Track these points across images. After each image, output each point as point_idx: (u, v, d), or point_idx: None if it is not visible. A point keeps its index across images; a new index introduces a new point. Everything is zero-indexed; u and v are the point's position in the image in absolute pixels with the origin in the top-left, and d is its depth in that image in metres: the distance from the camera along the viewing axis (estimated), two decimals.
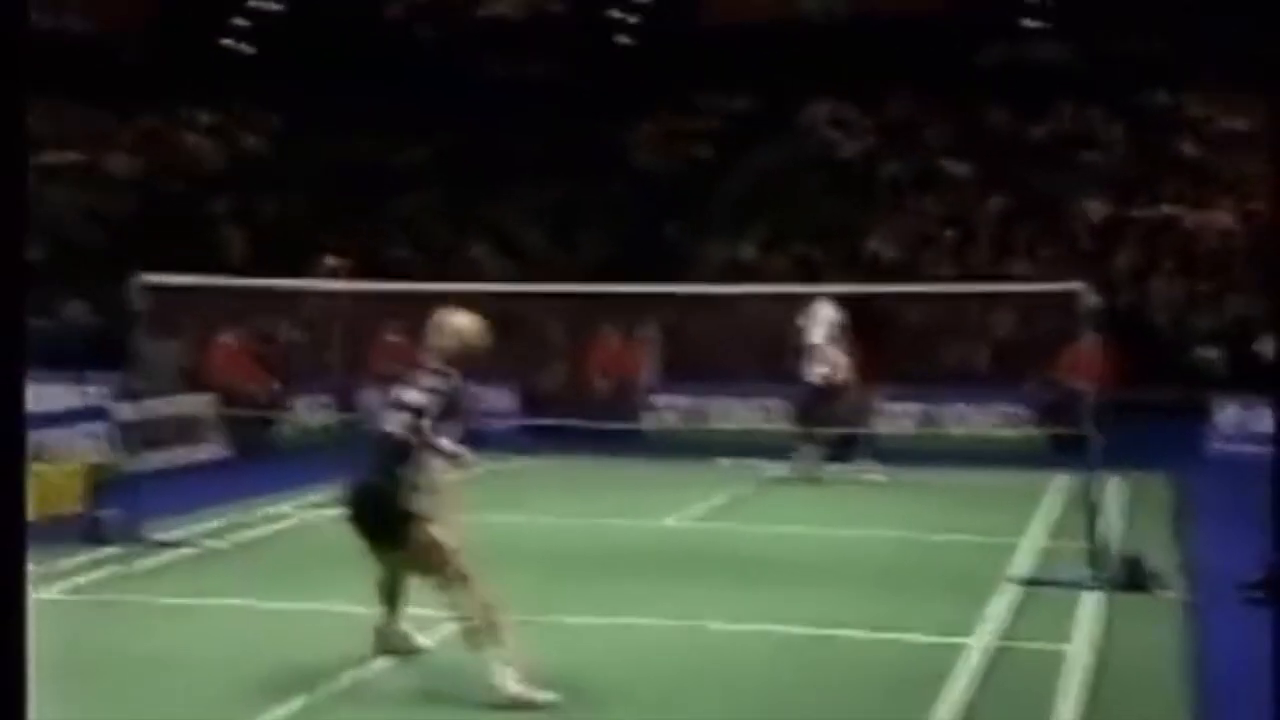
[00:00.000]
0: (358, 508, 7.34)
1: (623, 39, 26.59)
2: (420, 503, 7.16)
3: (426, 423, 7.22)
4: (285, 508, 12.88)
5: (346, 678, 7.45)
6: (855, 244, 21.63)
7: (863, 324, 15.40)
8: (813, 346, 14.78)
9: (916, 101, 24.12)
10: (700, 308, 17.95)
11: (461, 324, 7.67)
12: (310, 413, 18.74)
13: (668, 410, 18.68)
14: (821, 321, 14.72)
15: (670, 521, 12.58)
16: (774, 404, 17.82)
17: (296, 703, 7.02)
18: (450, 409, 7.36)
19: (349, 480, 7.44)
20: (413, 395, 7.35)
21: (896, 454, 15.74)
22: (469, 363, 7.55)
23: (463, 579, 7.16)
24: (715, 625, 8.62)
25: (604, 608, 9.13)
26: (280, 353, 19.24)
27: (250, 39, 27.54)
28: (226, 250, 22.23)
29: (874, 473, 14.86)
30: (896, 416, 17.73)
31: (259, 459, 16.20)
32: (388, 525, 7.25)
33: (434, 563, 7.19)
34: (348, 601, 8.78)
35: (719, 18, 25.89)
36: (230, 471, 15.48)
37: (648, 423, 18.59)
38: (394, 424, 7.26)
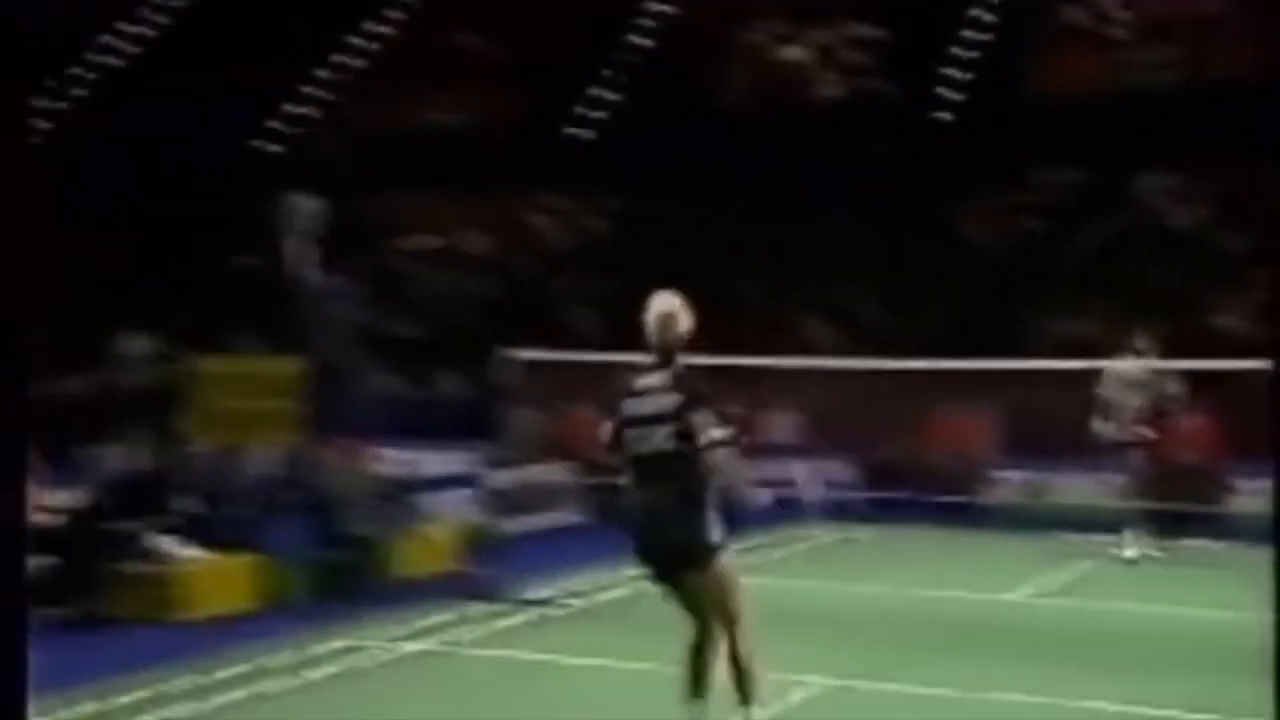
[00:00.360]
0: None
1: (945, 115, 26.53)
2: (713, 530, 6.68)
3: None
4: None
5: None
6: (1202, 318, 20.92)
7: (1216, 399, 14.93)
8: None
9: (1254, 171, 23.26)
10: (1046, 382, 17.70)
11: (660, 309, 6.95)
12: None
13: (1007, 485, 18.43)
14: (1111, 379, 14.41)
15: (1015, 596, 12.43)
16: (1116, 479, 17.39)
17: None
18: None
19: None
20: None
21: (1255, 530, 15.10)
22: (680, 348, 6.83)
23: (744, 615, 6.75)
24: (1073, 704, 8.51)
25: (953, 680, 9.09)
26: None
27: (596, 128, 28.59)
28: (575, 326, 23.11)
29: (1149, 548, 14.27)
30: (1252, 492, 17.02)
31: (614, 524, 16.72)
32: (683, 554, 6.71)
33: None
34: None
35: (1048, 91, 25.63)
36: (589, 535, 16.06)
37: (988, 496, 18.38)
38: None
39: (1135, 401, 14.32)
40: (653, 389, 6.69)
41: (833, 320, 22.59)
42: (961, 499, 17.47)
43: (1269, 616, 10.78)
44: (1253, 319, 20.74)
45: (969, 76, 26.75)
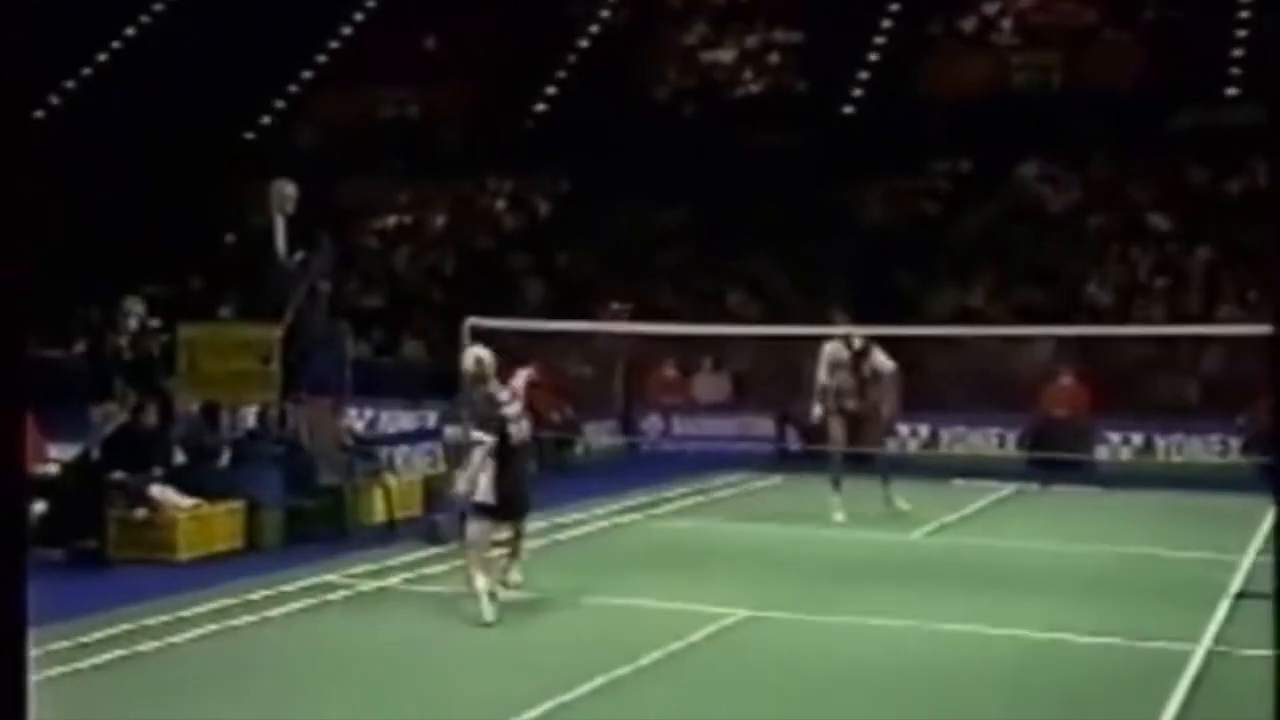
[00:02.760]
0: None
1: (849, 110, 26.58)
2: None
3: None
4: (581, 515, 13.31)
5: (648, 659, 7.71)
6: (1072, 289, 21.14)
7: (1085, 361, 15.07)
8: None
9: (1119, 161, 23.51)
10: (938, 346, 17.86)
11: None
12: (597, 436, 19.25)
13: (908, 438, 18.59)
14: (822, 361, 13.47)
15: (914, 535, 12.56)
16: (1004, 433, 17.65)
17: (599, 680, 7.29)
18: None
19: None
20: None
21: (1117, 478, 15.35)
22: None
23: None
24: (958, 627, 8.61)
25: (855, 609, 9.19)
26: (573, 385, 19.83)
27: (542, 120, 28.48)
28: (527, 298, 23.03)
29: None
30: (1116, 444, 17.30)
31: (558, 474, 16.73)
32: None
33: None
34: (633, 596, 9.10)
35: (935, 90, 25.74)
36: (537, 485, 15.99)
37: (890, 448, 18.52)
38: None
39: (838, 382, 13.34)
40: (511, 401, 9.20)
41: (749, 291, 22.62)
42: (866, 450, 17.57)
43: (1134, 550, 10.94)
44: (1115, 290, 21.00)
45: (872, 76, 26.82)
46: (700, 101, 27.75)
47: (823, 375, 13.40)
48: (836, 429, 13.45)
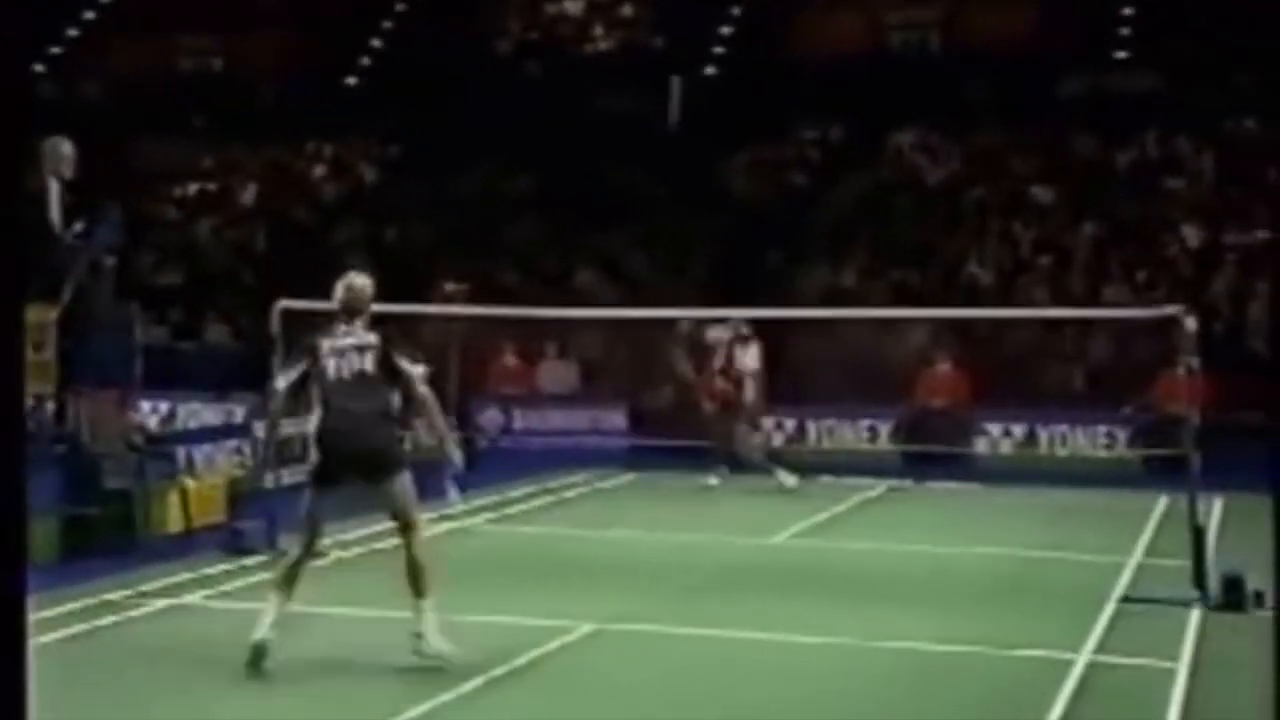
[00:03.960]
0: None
1: (712, 70, 26.77)
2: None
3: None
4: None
5: (484, 678, 7.62)
6: (951, 269, 21.58)
7: (964, 346, 15.39)
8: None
9: (1003, 130, 24.07)
10: (807, 331, 18.05)
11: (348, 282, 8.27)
12: (427, 431, 19.02)
13: (772, 430, 18.76)
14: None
15: (778, 539, 12.67)
16: (876, 424, 17.93)
17: (426, 705, 7.19)
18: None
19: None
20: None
21: (999, 473, 15.72)
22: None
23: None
24: (825, 640, 8.68)
25: (712, 621, 9.22)
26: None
27: (368, 76, 28.06)
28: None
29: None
30: (996, 437, 17.70)
31: None
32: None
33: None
34: (472, 611, 8.99)
35: (807, 49, 26.05)
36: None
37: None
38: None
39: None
40: (351, 333, 8.01)
41: (603, 270, 22.61)
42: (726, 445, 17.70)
43: (1015, 552, 11.15)
44: (996, 269, 21.50)
45: (735, 34, 27.01)
46: (546, 58, 27.64)
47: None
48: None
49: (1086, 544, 12.11)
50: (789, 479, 15.02)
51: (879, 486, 15.31)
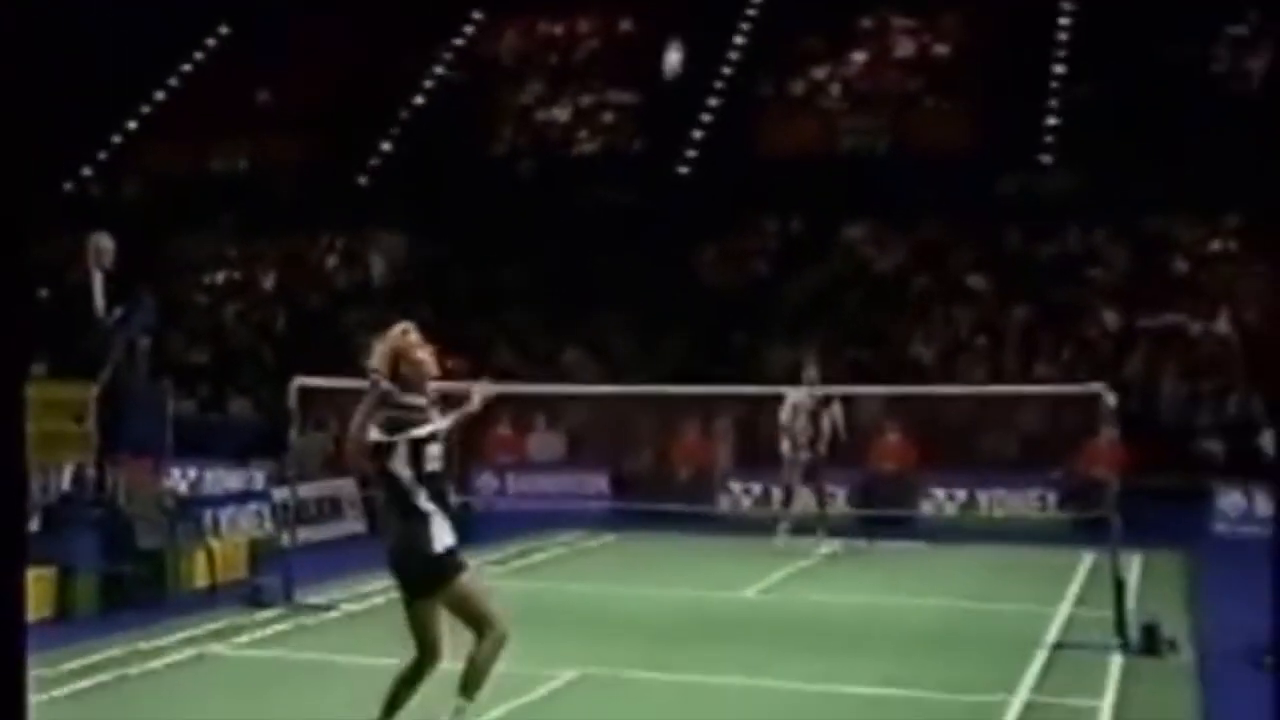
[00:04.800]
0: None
1: (685, 169, 27.07)
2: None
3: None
4: None
5: None
6: (898, 348, 21.75)
7: (911, 418, 15.51)
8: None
9: (943, 225, 24.36)
10: (769, 404, 18.13)
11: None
12: None
13: (740, 494, 18.82)
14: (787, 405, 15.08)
15: (748, 593, 12.68)
16: (834, 489, 17.93)
17: None
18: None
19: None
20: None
21: (942, 531, 15.78)
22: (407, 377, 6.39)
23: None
24: (789, 685, 8.71)
25: (689, 668, 9.22)
26: None
27: (377, 176, 28.29)
28: (360, 356, 22.70)
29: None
30: (941, 499, 17.78)
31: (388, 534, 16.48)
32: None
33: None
34: (455, 661, 8.97)
35: (770, 150, 26.37)
36: (367, 544, 15.74)
37: (723, 504, 18.74)
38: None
39: (803, 425, 15.00)
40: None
41: (588, 350, 22.71)
42: (700, 508, 17.75)
43: (958, 603, 11.21)
44: (938, 350, 21.69)
45: (706, 135, 27.34)
46: (537, 159, 27.91)
47: (784, 416, 14.84)
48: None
49: (1021, 595, 12.18)
50: (781, 540, 14.93)
51: (836, 545, 15.33)
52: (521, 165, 27.76)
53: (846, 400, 16.72)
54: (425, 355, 6.43)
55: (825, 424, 15.19)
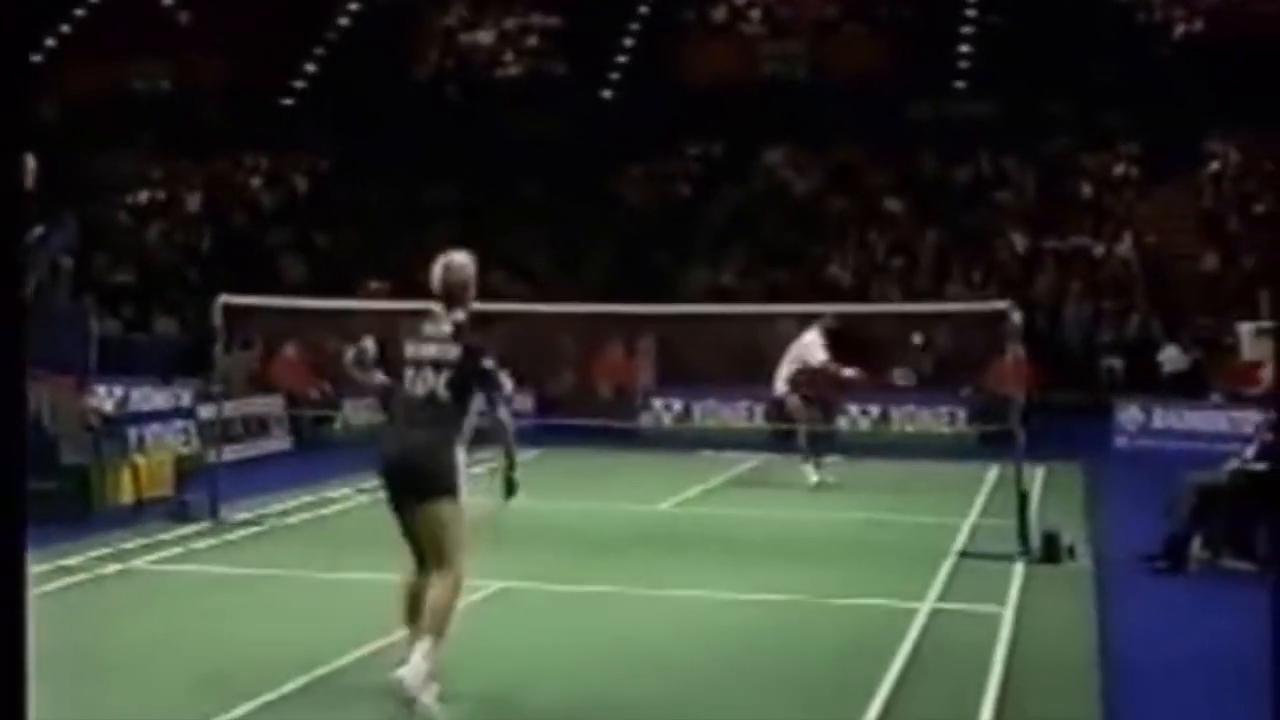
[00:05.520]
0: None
1: (609, 94, 26.78)
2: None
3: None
4: (343, 491, 13.00)
5: (402, 633, 7.54)
6: (816, 270, 21.81)
7: (828, 337, 15.47)
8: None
9: (859, 149, 24.38)
10: (689, 324, 18.15)
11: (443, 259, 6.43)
12: (356, 412, 18.86)
13: (662, 411, 18.87)
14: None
15: (664, 506, 12.72)
16: (752, 406, 18.05)
17: (354, 654, 7.13)
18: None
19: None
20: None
21: (857, 447, 15.92)
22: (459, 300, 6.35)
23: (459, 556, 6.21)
24: (699, 593, 8.76)
25: (609, 579, 9.25)
26: (332, 362, 19.36)
27: (301, 97, 27.68)
28: (286, 276, 22.35)
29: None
30: (856, 416, 17.93)
31: (317, 451, 16.33)
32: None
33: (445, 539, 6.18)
34: (390, 571, 8.93)
35: (692, 76, 26.16)
36: (294, 461, 15.60)
37: (644, 421, 18.76)
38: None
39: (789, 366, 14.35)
40: (436, 337, 6.26)
41: (511, 270, 22.50)
42: (622, 424, 17.77)
43: (871, 515, 11.25)
44: (854, 271, 21.77)
45: (629, 61, 27.03)
46: (462, 82, 27.45)
47: (821, 355, 13.72)
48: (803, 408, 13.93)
49: (930, 508, 12.33)
50: (813, 476, 13.83)
51: (753, 460, 15.42)
52: (446, 88, 27.30)
53: (768, 319, 16.75)
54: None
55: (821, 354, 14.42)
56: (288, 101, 27.58)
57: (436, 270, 6.37)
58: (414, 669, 6.00)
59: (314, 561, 9.67)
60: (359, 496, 12.81)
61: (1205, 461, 10.77)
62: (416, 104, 26.09)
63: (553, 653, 7.42)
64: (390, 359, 6.44)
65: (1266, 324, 17.06)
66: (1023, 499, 10.12)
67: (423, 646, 6.05)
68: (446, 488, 6.16)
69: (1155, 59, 24.22)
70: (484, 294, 22.59)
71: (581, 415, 16.98)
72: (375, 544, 10.42)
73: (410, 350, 6.26)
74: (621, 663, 7.23)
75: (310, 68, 27.98)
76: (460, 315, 6.33)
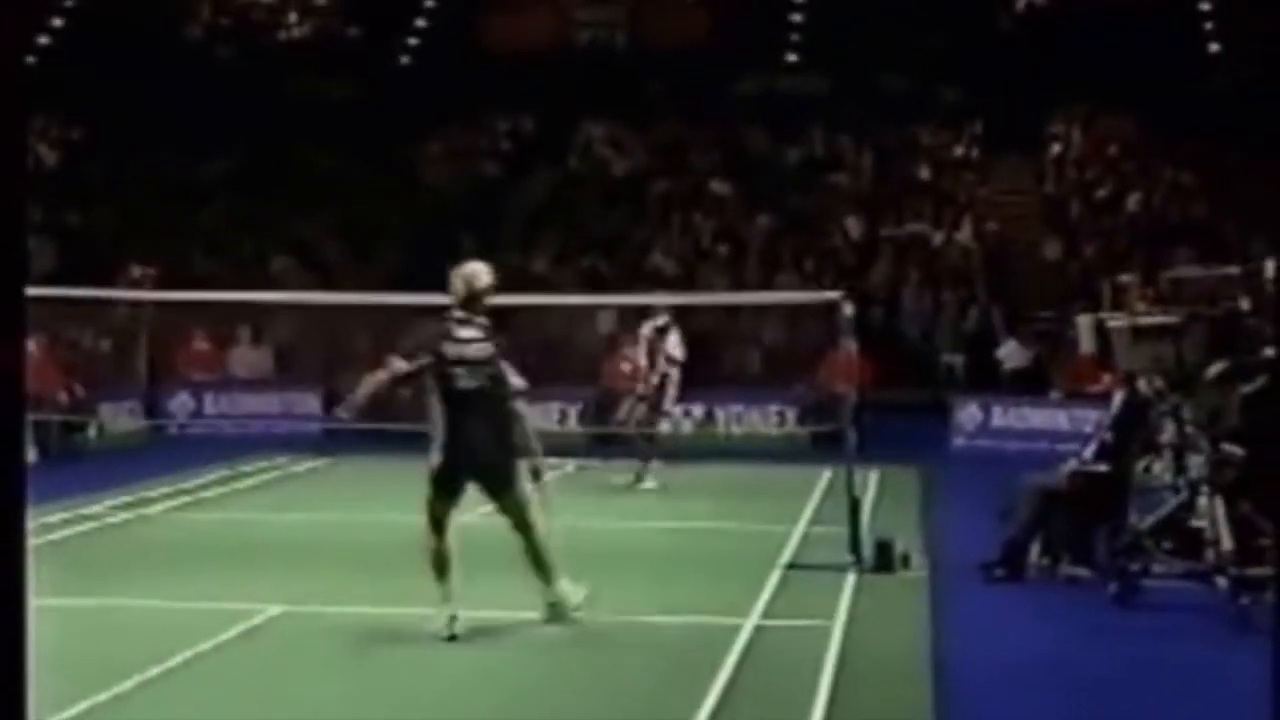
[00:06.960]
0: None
1: (405, 60, 26.53)
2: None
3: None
4: (95, 509, 12.57)
5: (153, 670, 7.34)
6: (637, 257, 21.96)
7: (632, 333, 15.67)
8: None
9: (683, 125, 24.65)
10: (495, 316, 18.03)
11: (464, 271, 8.18)
12: (114, 418, 18.28)
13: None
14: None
15: (468, 517, 12.61)
16: (565, 407, 18.08)
17: (120, 686, 6.92)
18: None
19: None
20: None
21: (678, 451, 16.08)
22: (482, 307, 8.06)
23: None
24: (498, 615, 8.66)
25: (391, 599, 9.05)
26: (85, 360, 18.73)
27: (49, 55, 26.64)
28: (32, 261, 21.48)
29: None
30: (678, 418, 18.08)
31: (65, 462, 15.75)
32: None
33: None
34: (155, 597, 8.69)
35: (498, 42, 26.08)
36: (36, 474, 14.97)
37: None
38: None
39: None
40: (474, 340, 7.95)
41: (297, 255, 22.10)
42: (421, 428, 17.54)
43: (689, 525, 11.32)
44: (679, 258, 22.01)
45: (428, 25, 26.80)
46: (238, 44, 26.84)
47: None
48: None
49: (757, 515, 12.53)
50: (650, 482, 14.38)
51: (568, 466, 15.44)
52: (219, 49, 26.64)
53: (578, 312, 16.79)
54: None
55: (673, 350, 14.73)
56: (30, 59, 26.50)
57: (458, 282, 8.07)
58: (571, 592, 8.22)
59: (70, 587, 9.31)
60: (117, 514, 12.43)
61: (1045, 462, 11.21)
62: (185, 66, 25.37)
63: (333, 682, 7.32)
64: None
65: (1105, 315, 17.83)
66: (854, 505, 10.36)
67: (555, 584, 8.21)
68: (515, 474, 8.13)
69: (997, 31, 25.12)
70: (266, 282, 22.12)
71: (376, 418, 16.71)
72: (141, 566, 10.17)
73: (453, 351, 7.91)
74: (409, 690, 7.16)
75: (58, 21, 26.93)
76: (484, 319, 8.06)
